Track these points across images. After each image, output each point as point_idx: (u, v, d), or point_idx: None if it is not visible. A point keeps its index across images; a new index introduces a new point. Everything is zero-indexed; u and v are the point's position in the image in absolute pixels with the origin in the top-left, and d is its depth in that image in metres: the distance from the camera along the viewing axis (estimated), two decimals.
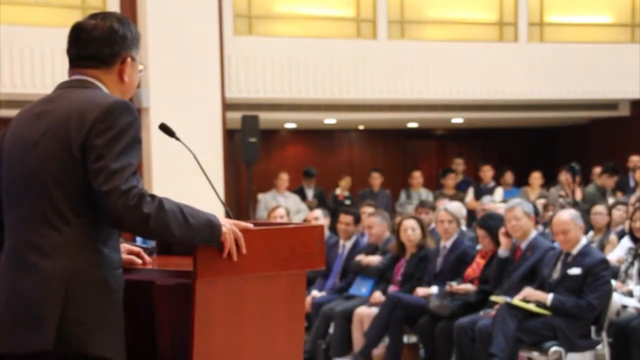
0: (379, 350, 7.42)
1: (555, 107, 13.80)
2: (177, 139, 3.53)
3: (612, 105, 13.97)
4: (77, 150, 2.65)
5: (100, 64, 2.84)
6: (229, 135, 11.76)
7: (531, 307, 6.38)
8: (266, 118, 11.84)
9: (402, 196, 12.59)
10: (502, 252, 6.96)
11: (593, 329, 6.40)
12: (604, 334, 6.42)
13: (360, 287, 8.03)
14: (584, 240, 6.58)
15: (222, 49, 11.11)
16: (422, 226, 7.76)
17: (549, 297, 6.33)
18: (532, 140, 16.33)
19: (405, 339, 7.49)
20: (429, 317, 7.11)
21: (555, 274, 6.46)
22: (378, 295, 7.61)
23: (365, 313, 7.56)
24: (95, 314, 2.67)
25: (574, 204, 9.39)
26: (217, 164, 10.67)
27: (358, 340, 7.54)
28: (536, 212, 7.43)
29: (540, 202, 9.41)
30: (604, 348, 6.42)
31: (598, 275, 6.32)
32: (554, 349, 6.29)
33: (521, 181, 12.83)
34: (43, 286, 2.63)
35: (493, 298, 6.67)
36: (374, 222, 8.26)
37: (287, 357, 3.21)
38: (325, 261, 3.80)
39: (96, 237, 2.69)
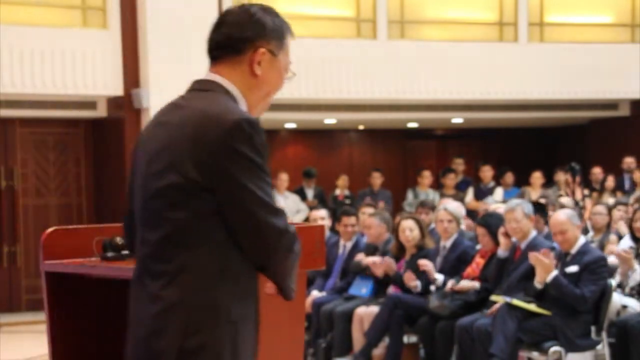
0: (379, 350, 7.42)
1: (555, 107, 13.79)
2: None
3: (612, 105, 13.96)
4: (197, 173, 2.37)
5: (228, 51, 2.51)
6: None
7: (531, 307, 6.38)
8: (266, 118, 11.80)
9: (410, 196, 12.59)
10: (502, 252, 6.95)
11: (593, 329, 6.40)
12: (604, 334, 6.42)
13: (360, 288, 8.03)
14: (582, 240, 6.59)
15: None
16: (421, 226, 7.75)
17: (552, 273, 6.32)
18: (532, 140, 16.32)
19: (405, 339, 7.48)
20: (429, 317, 7.11)
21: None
22: (408, 277, 7.43)
23: (365, 313, 7.56)
24: (212, 349, 2.40)
25: (574, 204, 9.39)
26: None
27: (358, 340, 7.54)
28: (545, 213, 7.37)
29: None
30: (604, 348, 6.41)
31: (595, 271, 6.34)
32: (554, 349, 6.29)
33: (521, 181, 12.83)
34: (161, 317, 2.40)
35: (493, 298, 6.67)
36: (373, 223, 8.25)
37: (287, 357, 3.20)
38: (326, 261, 3.79)
39: (223, 263, 2.42)
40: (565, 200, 9.46)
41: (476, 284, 7.05)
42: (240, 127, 2.38)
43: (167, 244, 2.42)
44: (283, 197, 11.88)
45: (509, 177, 12.70)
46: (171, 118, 2.48)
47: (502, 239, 6.95)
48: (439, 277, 7.31)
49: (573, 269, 6.39)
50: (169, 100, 2.61)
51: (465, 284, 7.10)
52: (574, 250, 6.48)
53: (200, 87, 2.52)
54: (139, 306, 2.48)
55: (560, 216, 6.59)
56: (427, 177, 12.72)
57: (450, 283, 7.18)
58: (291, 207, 11.30)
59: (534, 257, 6.37)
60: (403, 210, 11.74)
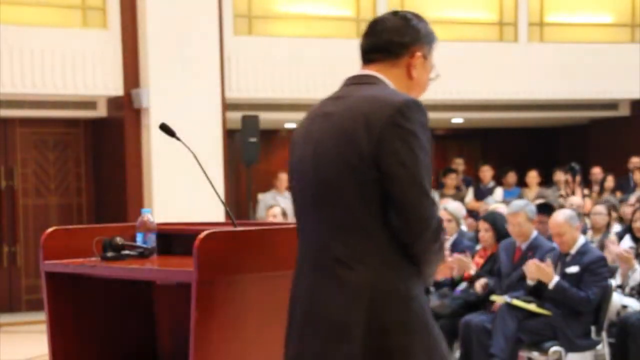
0: None
1: (555, 107, 13.79)
2: (178, 138, 3.54)
3: (612, 105, 13.96)
4: (368, 154, 2.50)
5: (388, 55, 2.69)
6: (229, 135, 11.75)
7: (531, 307, 6.38)
8: (266, 118, 11.83)
9: None
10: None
11: (593, 329, 6.39)
12: (604, 334, 6.43)
13: None
14: (582, 240, 6.58)
15: (222, 49, 11.10)
16: None
17: (554, 279, 6.31)
18: (532, 140, 16.31)
19: None
20: None
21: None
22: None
23: None
24: (400, 325, 2.54)
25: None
26: (217, 164, 10.67)
27: None
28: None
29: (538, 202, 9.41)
30: (604, 348, 6.42)
31: (595, 272, 6.33)
32: (554, 349, 6.29)
33: (522, 181, 12.84)
34: (346, 297, 2.51)
35: (493, 298, 6.66)
36: None
37: None
38: None
39: (394, 245, 2.54)
40: (575, 200, 9.44)
41: (482, 280, 6.99)
42: (409, 106, 2.56)
43: (345, 226, 2.53)
44: (283, 197, 11.88)
45: (511, 177, 12.69)
46: (335, 108, 2.64)
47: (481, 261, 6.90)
48: None
49: (573, 269, 6.39)
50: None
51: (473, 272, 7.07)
52: (573, 251, 6.48)
53: (360, 81, 2.69)
54: (315, 285, 2.57)
55: (559, 218, 6.58)
56: None
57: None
58: (292, 207, 11.28)
59: (533, 265, 6.36)
60: None
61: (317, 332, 2.57)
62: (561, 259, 6.51)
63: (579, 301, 6.26)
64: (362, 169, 2.50)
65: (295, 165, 2.72)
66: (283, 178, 12.10)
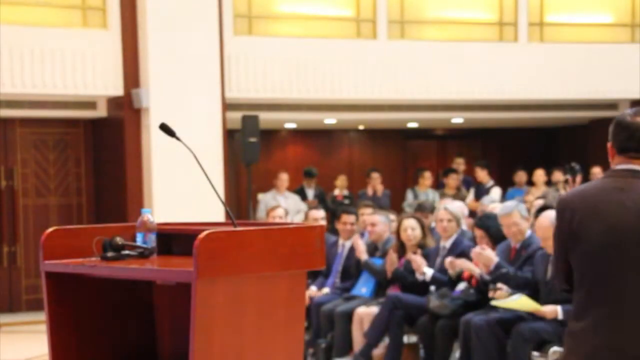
0: (379, 350, 7.42)
1: (555, 107, 13.79)
2: (178, 138, 3.54)
3: (612, 105, 13.95)
4: None
5: None
6: (229, 135, 11.75)
7: (513, 304, 6.37)
8: (266, 118, 11.83)
9: (409, 196, 12.58)
10: (485, 275, 6.88)
11: None
12: None
13: (361, 288, 8.04)
14: None
15: (222, 49, 11.11)
16: (422, 225, 7.76)
17: (559, 311, 6.29)
18: (532, 140, 16.32)
19: (405, 339, 7.49)
20: (429, 317, 7.11)
21: (549, 274, 6.43)
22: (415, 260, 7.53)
23: (365, 313, 7.56)
24: None
25: None
26: (217, 164, 10.68)
27: (358, 340, 7.54)
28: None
29: (539, 202, 9.39)
30: None
31: None
32: (554, 349, 6.29)
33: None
34: None
35: (493, 303, 6.64)
36: (377, 220, 8.27)
37: (287, 357, 3.21)
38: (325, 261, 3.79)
39: None
40: None
41: (476, 270, 6.98)
42: None
43: None
44: (283, 197, 11.88)
45: (521, 176, 12.73)
46: (626, 198, 3.32)
47: (481, 265, 6.89)
48: (428, 272, 7.33)
49: None
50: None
51: (459, 261, 7.08)
52: None
53: (637, 176, 3.41)
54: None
55: (544, 222, 6.37)
56: (428, 178, 12.73)
57: (449, 259, 7.15)
58: (291, 207, 11.30)
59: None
60: (403, 211, 11.74)
61: None
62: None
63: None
64: None
65: (592, 235, 3.32)
66: (283, 178, 12.11)
